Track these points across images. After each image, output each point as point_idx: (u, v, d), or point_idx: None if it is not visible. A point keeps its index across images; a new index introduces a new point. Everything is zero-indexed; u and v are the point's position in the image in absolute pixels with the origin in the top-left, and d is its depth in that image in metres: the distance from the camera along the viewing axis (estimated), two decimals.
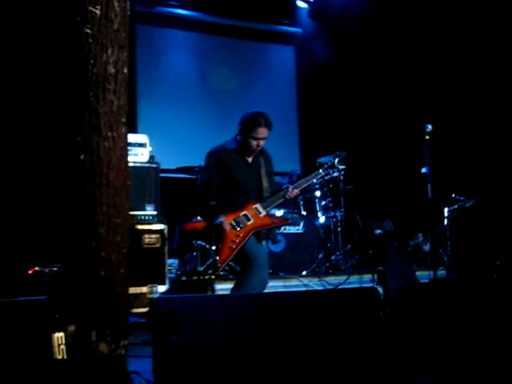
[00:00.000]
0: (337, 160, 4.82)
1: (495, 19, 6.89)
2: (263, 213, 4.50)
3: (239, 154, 4.60)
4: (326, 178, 6.53)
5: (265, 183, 4.64)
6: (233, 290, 4.46)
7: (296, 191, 4.59)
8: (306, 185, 4.74)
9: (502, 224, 6.71)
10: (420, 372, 2.91)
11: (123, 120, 2.88)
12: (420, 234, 6.29)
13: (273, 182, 4.80)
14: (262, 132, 4.47)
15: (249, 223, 4.45)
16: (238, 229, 4.41)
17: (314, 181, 4.66)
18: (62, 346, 2.50)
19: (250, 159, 4.64)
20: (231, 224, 4.41)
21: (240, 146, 4.57)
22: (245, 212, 4.48)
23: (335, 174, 4.78)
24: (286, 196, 4.56)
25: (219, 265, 4.41)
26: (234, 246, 4.36)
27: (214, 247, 6.45)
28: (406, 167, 6.81)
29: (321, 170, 4.83)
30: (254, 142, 4.49)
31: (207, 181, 4.57)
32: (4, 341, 2.38)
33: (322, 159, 6.90)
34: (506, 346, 3.03)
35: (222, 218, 4.40)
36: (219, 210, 4.48)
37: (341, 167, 4.81)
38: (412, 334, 3.01)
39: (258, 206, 4.51)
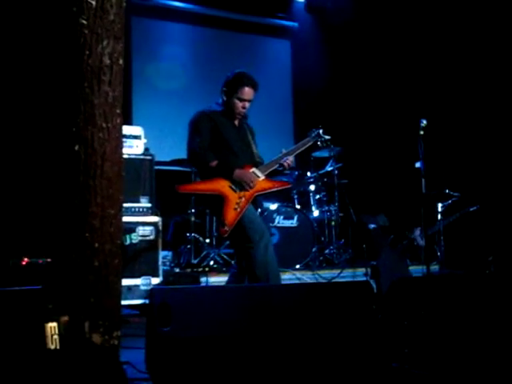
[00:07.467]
0: (321, 131, 4.92)
1: (490, 15, 6.91)
2: (262, 176, 4.26)
3: (226, 117, 4.38)
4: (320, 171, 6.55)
5: (254, 149, 4.47)
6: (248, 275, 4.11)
7: (291, 159, 4.36)
8: (298, 151, 4.52)
9: (494, 220, 6.74)
10: (411, 366, 2.92)
11: (118, 111, 2.87)
12: (418, 228, 6.31)
13: (257, 150, 4.58)
14: (248, 93, 4.26)
15: None
16: (239, 192, 4.14)
17: (303, 149, 4.66)
18: (55, 336, 2.49)
19: (236, 123, 4.43)
20: (231, 187, 4.13)
21: (225, 109, 4.36)
22: None
23: (320, 144, 5.02)
24: (283, 162, 4.32)
25: (227, 229, 3.99)
26: (239, 209, 4.05)
27: (207, 240, 6.48)
28: (400, 162, 6.84)
29: (309, 138, 4.74)
30: (240, 104, 4.28)
31: (202, 143, 4.26)
32: None
33: (317, 153, 6.95)
34: (497, 340, 3.05)
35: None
36: (224, 168, 4.19)
37: (326, 137, 4.95)
38: (404, 328, 3.03)
39: (255, 169, 4.28)
